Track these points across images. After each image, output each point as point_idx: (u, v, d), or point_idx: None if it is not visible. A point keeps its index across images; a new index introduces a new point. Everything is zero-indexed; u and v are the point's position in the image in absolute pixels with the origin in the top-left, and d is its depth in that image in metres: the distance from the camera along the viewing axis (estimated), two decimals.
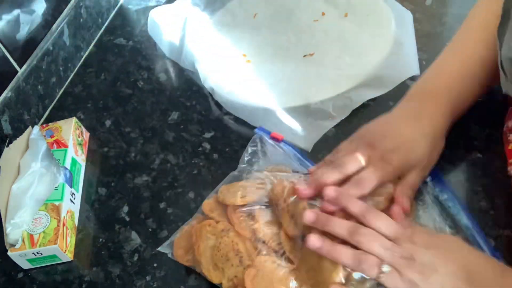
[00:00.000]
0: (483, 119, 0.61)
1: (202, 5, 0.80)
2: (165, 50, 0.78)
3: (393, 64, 0.67)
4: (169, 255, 0.52)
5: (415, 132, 0.50)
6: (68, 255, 0.54)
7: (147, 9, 0.85)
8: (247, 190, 0.52)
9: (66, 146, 0.61)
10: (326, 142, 0.62)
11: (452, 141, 0.60)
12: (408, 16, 0.74)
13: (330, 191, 0.45)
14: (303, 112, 0.64)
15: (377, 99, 0.66)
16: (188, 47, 0.74)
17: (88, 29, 0.81)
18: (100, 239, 0.57)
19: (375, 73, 0.66)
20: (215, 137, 0.65)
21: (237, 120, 0.66)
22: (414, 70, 0.66)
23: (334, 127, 0.64)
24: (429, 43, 0.71)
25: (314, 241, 0.42)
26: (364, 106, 0.65)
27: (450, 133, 0.60)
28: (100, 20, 0.85)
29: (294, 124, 0.63)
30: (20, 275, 0.55)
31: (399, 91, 0.66)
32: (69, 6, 0.77)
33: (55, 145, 0.61)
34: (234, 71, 0.71)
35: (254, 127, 0.62)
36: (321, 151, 0.61)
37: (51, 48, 0.73)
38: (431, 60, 0.69)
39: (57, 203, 0.56)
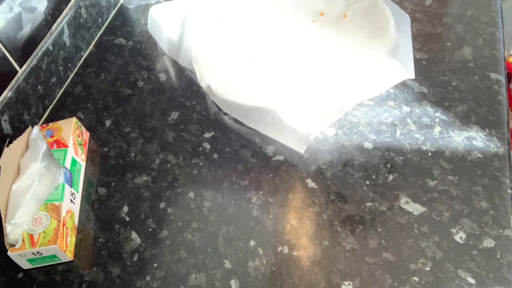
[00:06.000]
0: (483, 119, 0.61)
1: (202, 3, 0.80)
2: (164, 48, 0.78)
3: (389, 66, 0.67)
4: None
5: None
6: (68, 255, 0.54)
7: (147, 9, 0.85)
8: None
9: (66, 146, 0.61)
10: (326, 142, 0.62)
11: (452, 141, 0.60)
12: (406, 18, 0.74)
13: None
14: (298, 113, 0.64)
15: (376, 99, 0.66)
16: (187, 45, 0.74)
17: (88, 29, 0.81)
18: (100, 239, 0.57)
19: (371, 74, 0.66)
20: (215, 137, 0.65)
21: (237, 120, 0.66)
22: (409, 74, 0.66)
23: (333, 127, 0.64)
24: (429, 43, 0.71)
25: None
26: (362, 106, 0.65)
27: (449, 133, 0.60)
28: (100, 20, 0.85)
29: (288, 125, 0.63)
30: (20, 275, 0.55)
31: (399, 91, 0.66)
32: (69, 6, 0.77)
33: (55, 145, 0.61)
34: (231, 71, 0.71)
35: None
36: (320, 151, 0.61)
37: (51, 48, 0.73)
38: (431, 60, 0.70)
39: (57, 203, 0.56)
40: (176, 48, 0.76)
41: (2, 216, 0.55)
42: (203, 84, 0.70)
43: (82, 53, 0.80)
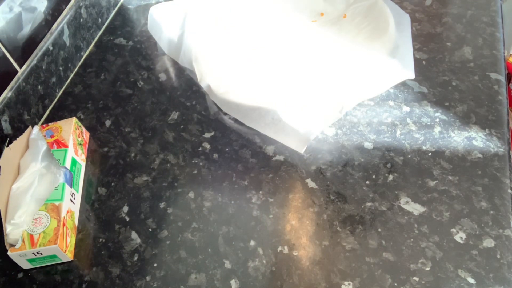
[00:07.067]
0: (483, 119, 0.61)
1: (202, 3, 0.80)
2: (164, 48, 0.78)
3: (389, 66, 0.67)
4: None
5: None
6: (68, 255, 0.54)
7: (147, 9, 0.85)
8: None
9: (66, 146, 0.61)
10: (326, 142, 0.62)
11: (452, 141, 0.60)
12: (406, 18, 0.74)
13: None
14: (298, 113, 0.64)
15: (376, 99, 0.66)
16: (187, 45, 0.74)
17: (88, 29, 0.81)
18: (100, 239, 0.57)
19: (371, 74, 0.66)
20: (215, 137, 0.65)
21: (237, 120, 0.66)
22: (409, 74, 0.66)
23: (333, 127, 0.64)
24: (429, 43, 0.71)
25: None
26: (362, 106, 0.65)
27: (449, 132, 0.60)
28: (100, 20, 0.84)
29: (288, 125, 0.63)
30: (20, 275, 0.55)
31: (399, 91, 0.66)
32: (69, 6, 0.77)
33: (55, 145, 0.61)
34: (231, 71, 0.71)
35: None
36: (320, 151, 0.61)
37: (51, 48, 0.73)
38: (431, 60, 0.70)
39: (57, 203, 0.56)
40: (176, 48, 0.76)
41: (2, 216, 0.55)
42: (203, 84, 0.70)
43: (82, 53, 0.80)
